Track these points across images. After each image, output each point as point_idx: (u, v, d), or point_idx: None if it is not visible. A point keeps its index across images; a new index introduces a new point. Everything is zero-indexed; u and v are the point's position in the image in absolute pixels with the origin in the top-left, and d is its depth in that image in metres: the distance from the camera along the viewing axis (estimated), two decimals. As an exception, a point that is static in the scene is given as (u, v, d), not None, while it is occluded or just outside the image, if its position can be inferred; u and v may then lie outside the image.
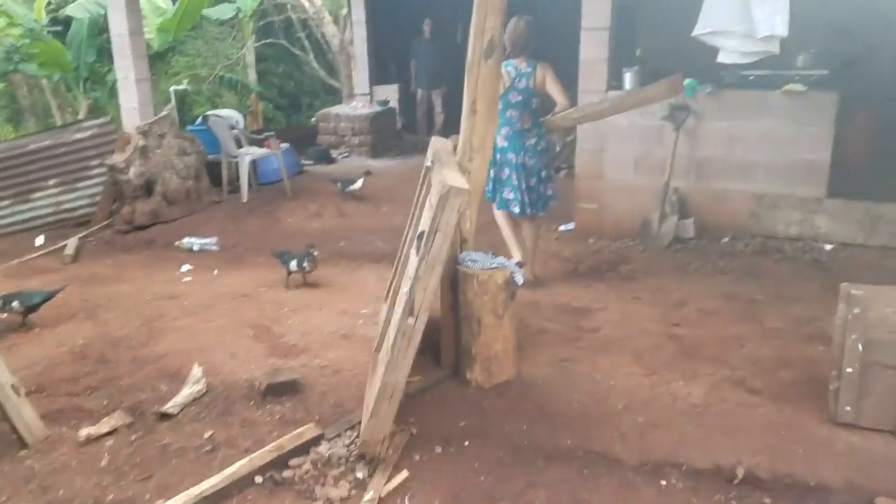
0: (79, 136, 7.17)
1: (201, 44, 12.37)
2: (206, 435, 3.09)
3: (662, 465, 2.77)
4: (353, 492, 2.72)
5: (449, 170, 3.10)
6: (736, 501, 2.62)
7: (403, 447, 2.94)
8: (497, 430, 3.03)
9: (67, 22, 10.07)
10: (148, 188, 6.81)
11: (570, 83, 5.63)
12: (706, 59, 5.42)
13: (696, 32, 5.20)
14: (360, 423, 3.00)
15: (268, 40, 13.51)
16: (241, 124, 8.46)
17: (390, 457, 2.87)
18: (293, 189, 7.51)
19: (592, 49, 5.61)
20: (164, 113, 7.16)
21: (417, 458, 2.90)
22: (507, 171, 4.74)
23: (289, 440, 2.97)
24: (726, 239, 5.55)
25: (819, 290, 4.54)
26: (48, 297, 4.54)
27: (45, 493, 2.77)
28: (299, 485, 2.77)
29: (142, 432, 3.15)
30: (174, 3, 9.92)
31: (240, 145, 7.67)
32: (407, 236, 3.69)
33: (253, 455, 2.87)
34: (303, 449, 2.93)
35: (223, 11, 11.53)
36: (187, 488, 2.70)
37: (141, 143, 6.72)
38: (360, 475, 2.80)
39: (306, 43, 14.05)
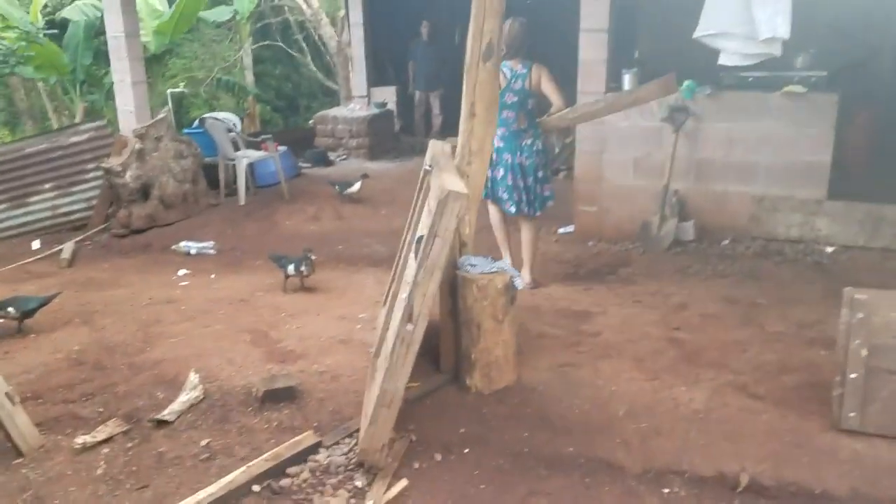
0: (75, 139, 7.15)
1: (198, 46, 12.34)
2: (203, 443, 3.06)
3: (665, 473, 2.74)
4: (352, 501, 2.68)
5: (447, 174, 3.07)
6: (740, 510, 2.59)
7: (403, 455, 2.91)
8: (497, 437, 3.00)
9: (64, 25, 10.04)
10: (145, 192, 6.77)
11: (569, 84, 5.63)
12: (705, 61, 5.40)
13: (697, 34, 5.18)
14: (358, 430, 2.97)
15: (265, 42, 13.48)
16: (239, 127, 8.43)
17: (389, 465, 2.83)
18: (291, 192, 7.48)
19: (591, 50, 5.59)
20: (160, 116, 7.13)
21: (417, 465, 2.87)
22: (502, 171, 4.75)
23: (286, 448, 2.93)
24: (727, 241, 5.52)
25: (820, 293, 4.51)
26: (44, 302, 4.50)
27: (40, 502, 2.73)
28: (297, 493, 2.73)
29: (138, 440, 3.12)
30: (171, 6, 9.88)
31: (237, 148, 7.64)
32: (405, 240, 3.66)
33: (250, 463, 2.84)
34: (301, 457, 2.90)
35: (220, 14, 11.50)
36: (184, 498, 2.66)
37: (137, 146, 6.69)
38: (359, 483, 2.76)
39: (304, 45, 14.03)
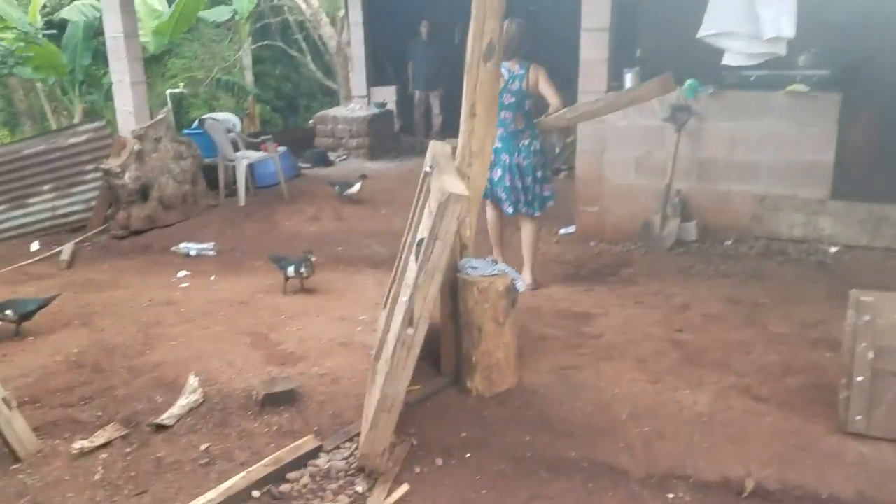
0: (74, 140, 7.12)
1: (198, 46, 12.31)
2: (203, 447, 3.03)
3: (669, 478, 2.71)
4: (353, 506, 2.66)
5: (448, 175, 3.04)
6: (745, 515, 2.56)
7: (404, 459, 2.88)
8: (499, 441, 2.97)
9: (63, 25, 10.00)
10: (144, 193, 6.75)
11: (570, 84, 5.60)
12: (708, 59, 5.36)
13: (701, 34, 5.14)
14: (359, 434, 2.94)
15: (265, 42, 13.46)
16: (238, 127, 8.40)
17: (390, 469, 2.80)
18: (291, 192, 7.45)
19: (592, 50, 5.56)
20: (160, 116, 7.10)
21: (418, 470, 2.84)
22: (500, 171, 4.75)
23: (287, 453, 2.90)
24: (729, 241, 5.49)
25: (824, 293, 4.49)
26: (43, 304, 4.47)
27: (37, 508, 2.71)
28: (298, 499, 2.70)
29: (137, 445, 3.09)
30: (170, 6, 9.85)
31: (237, 148, 7.61)
32: (406, 242, 3.63)
33: (250, 469, 2.81)
34: (301, 462, 2.87)
35: (219, 14, 11.46)
36: (183, 504, 2.64)
37: (137, 147, 6.66)
38: (359, 489, 2.73)
39: (303, 45, 14.00)
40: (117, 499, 2.74)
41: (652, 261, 5.36)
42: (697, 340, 3.86)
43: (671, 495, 2.65)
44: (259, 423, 3.20)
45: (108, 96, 9.01)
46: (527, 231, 4.89)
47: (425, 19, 9.80)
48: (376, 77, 10.31)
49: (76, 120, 9.99)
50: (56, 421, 3.30)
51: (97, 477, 2.87)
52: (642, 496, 2.65)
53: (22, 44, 9.24)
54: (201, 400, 3.38)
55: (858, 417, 2.82)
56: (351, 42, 10.55)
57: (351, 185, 7.18)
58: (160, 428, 3.18)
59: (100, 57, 9.29)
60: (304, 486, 2.76)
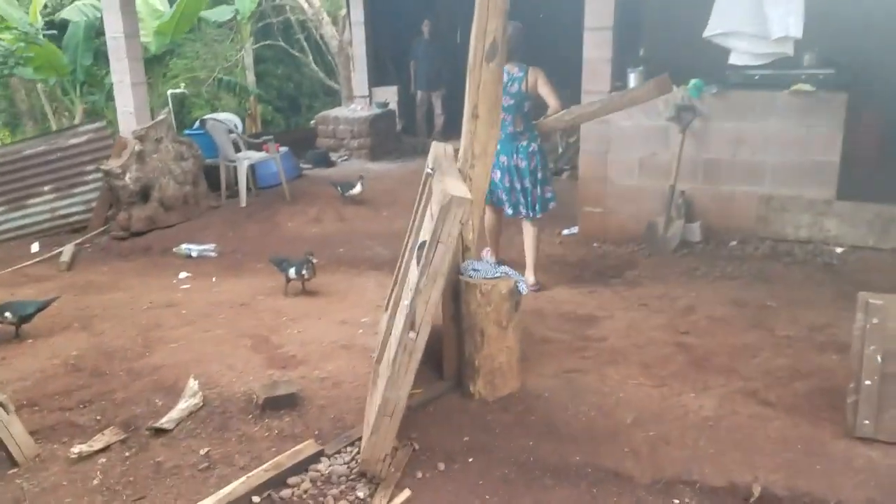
0: (74, 141, 7.09)
1: (199, 46, 12.28)
2: (202, 452, 3.00)
3: (675, 483, 2.67)
4: (354, 512, 2.62)
5: (450, 178, 3.01)
6: (753, 522, 2.52)
7: (405, 464, 2.85)
8: (502, 446, 2.94)
9: (63, 25, 10.00)
10: (144, 194, 6.71)
11: (571, 84, 5.56)
12: (712, 59, 5.32)
13: (707, 34, 5.10)
14: (360, 438, 2.91)
15: (266, 42, 13.43)
16: (240, 128, 8.37)
17: (392, 475, 2.77)
18: (292, 193, 7.42)
19: (595, 49, 5.53)
20: (161, 117, 7.07)
21: (420, 475, 2.80)
22: (499, 173, 4.78)
23: (287, 457, 2.87)
24: (734, 242, 5.44)
25: (831, 295, 4.44)
26: (42, 306, 4.44)
27: (34, 514, 2.68)
28: (298, 505, 2.67)
29: (135, 449, 3.06)
30: (171, 6, 9.83)
31: (238, 149, 7.57)
32: (407, 244, 3.59)
33: (250, 474, 2.77)
34: (302, 466, 2.83)
35: (221, 13, 11.45)
36: (182, 510, 2.61)
37: (137, 147, 6.63)
38: (361, 494, 2.70)
39: (305, 44, 13.98)
40: (115, 504, 2.71)
41: (656, 262, 5.32)
42: (703, 344, 3.82)
43: (677, 501, 2.61)
44: (259, 427, 3.17)
45: (110, 97, 9.00)
46: (528, 232, 4.88)
47: (427, 18, 9.77)
48: (378, 77, 10.27)
49: (77, 120, 9.98)
50: (54, 425, 3.27)
51: (95, 482, 2.84)
52: (648, 502, 2.61)
53: (22, 44, 9.24)
54: (201, 403, 3.35)
55: (867, 422, 2.78)
56: (352, 42, 10.52)
57: (353, 186, 7.15)
58: (159, 432, 3.15)
59: (101, 57, 9.28)
60: (305, 491, 2.73)
